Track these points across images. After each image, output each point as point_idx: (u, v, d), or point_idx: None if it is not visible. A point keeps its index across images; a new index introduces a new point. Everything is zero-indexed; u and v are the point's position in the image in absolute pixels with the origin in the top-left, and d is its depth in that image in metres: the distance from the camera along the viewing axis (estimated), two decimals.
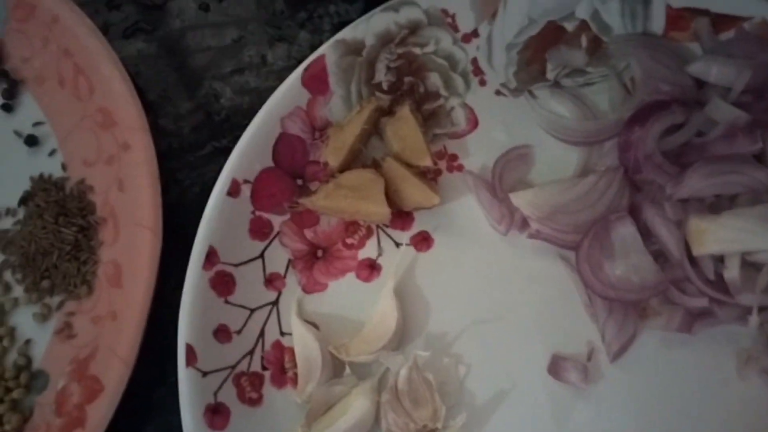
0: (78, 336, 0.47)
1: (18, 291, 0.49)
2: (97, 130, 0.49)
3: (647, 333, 0.46)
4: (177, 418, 0.43)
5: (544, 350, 0.46)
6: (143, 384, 0.45)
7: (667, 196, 0.46)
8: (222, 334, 0.45)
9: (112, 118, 0.49)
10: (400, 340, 0.46)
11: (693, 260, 0.45)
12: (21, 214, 0.50)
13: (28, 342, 0.48)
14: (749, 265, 0.44)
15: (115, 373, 0.43)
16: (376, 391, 0.44)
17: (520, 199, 0.47)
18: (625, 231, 0.46)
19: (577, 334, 0.46)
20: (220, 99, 0.53)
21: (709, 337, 0.46)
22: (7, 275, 0.50)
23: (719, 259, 0.45)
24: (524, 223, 0.48)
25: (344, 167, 0.48)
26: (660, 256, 0.46)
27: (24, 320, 0.48)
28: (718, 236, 0.43)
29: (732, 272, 0.43)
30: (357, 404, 0.43)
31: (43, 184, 0.50)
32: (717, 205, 0.45)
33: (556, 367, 0.46)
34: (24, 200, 0.50)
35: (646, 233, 0.46)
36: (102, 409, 0.42)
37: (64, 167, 0.51)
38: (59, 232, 0.47)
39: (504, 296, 0.47)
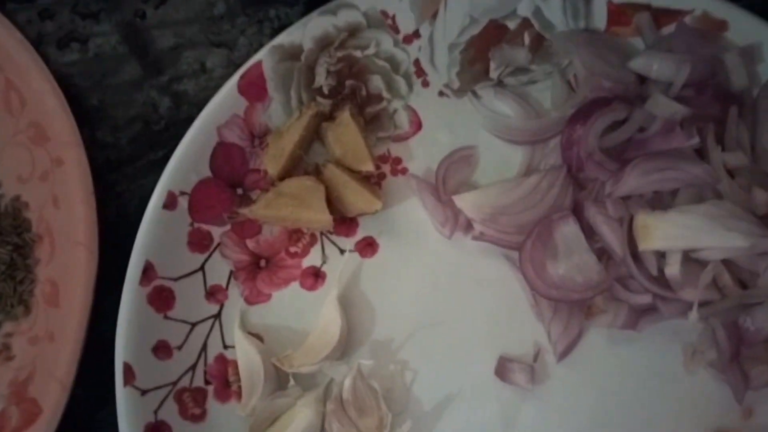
0: (16, 357, 0.46)
1: None
2: (30, 146, 0.48)
3: (593, 331, 0.46)
4: None
5: (491, 353, 0.46)
6: (84, 404, 0.44)
7: (608, 193, 0.45)
8: (162, 350, 0.44)
9: (45, 133, 0.48)
10: (344, 348, 0.45)
11: (636, 257, 0.45)
12: None
13: None
14: (693, 262, 0.44)
15: (53, 395, 0.42)
16: (321, 402, 0.44)
17: (463, 202, 0.47)
18: (568, 230, 0.46)
19: (523, 335, 0.46)
20: (158, 108, 0.52)
21: (655, 333, 0.46)
22: None
23: (662, 255, 0.44)
24: (468, 226, 0.48)
25: (284, 175, 0.48)
26: (603, 254, 0.46)
27: None
28: (665, 233, 0.43)
29: (673, 268, 0.43)
30: (301, 416, 0.43)
31: None
32: (657, 202, 0.45)
33: (502, 369, 0.45)
34: None
35: (588, 232, 0.46)
36: None
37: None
38: (9, 249, 0.46)
39: (450, 300, 0.47)
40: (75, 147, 0.46)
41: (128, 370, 0.42)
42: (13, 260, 0.47)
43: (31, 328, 0.46)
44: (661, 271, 0.44)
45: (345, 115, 0.48)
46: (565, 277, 0.45)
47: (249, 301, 0.47)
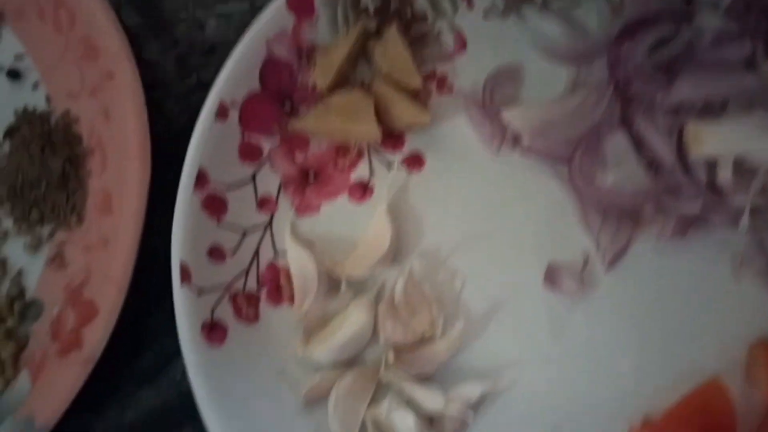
0: (70, 264, 0.46)
1: (8, 223, 0.48)
2: (81, 62, 0.49)
3: (641, 242, 0.46)
4: (172, 340, 0.42)
5: (539, 262, 0.46)
6: (138, 312, 0.45)
7: (659, 104, 0.45)
8: (216, 254, 0.45)
9: (95, 48, 0.48)
10: (394, 256, 0.46)
11: (686, 167, 0.45)
12: (7, 147, 0.49)
13: (20, 272, 0.47)
14: (743, 170, 0.44)
15: (109, 296, 0.43)
16: (373, 304, 0.44)
17: (511, 115, 0.47)
18: (617, 141, 0.46)
19: (571, 246, 0.46)
20: (204, 29, 0.53)
21: (703, 244, 0.46)
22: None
23: (712, 166, 0.45)
24: (515, 140, 0.48)
25: (333, 89, 0.48)
26: (652, 166, 0.46)
27: (16, 251, 0.48)
28: (717, 139, 0.43)
29: (725, 173, 0.43)
30: (354, 317, 0.43)
31: (28, 117, 0.49)
32: (707, 112, 0.45)
33: (551, 276, 0.46)
34: (9, 133, 0.49)
35: (638, 144, 0.46)
36: (98, 332, 0.42)
37: (48, 99, 0.50)
38: (46, 163, 0.47)
39: (497, 212, 0.47)
40: (126, 61, 0.47)
41: (185, 269, 0.43)
42: (66, 172, 0.47)
43: (84, 237, 0.46)
44: (710, 180, 0.44)
45: (392, 32, 0.48)
46: (615, 187, 0.45)
47: (299, 212, 0.47)
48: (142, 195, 0.44)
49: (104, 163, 0.47)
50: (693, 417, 0.42)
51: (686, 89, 0.45)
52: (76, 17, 0.49)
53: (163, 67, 0.52)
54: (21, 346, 0.45)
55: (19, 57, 0.51)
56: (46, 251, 0.48)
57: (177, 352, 0.43)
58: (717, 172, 0.44)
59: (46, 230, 0.48)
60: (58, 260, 0.47)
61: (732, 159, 0.43)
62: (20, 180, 0.47)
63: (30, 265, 0.48)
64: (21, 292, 0.47)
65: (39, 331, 0.45)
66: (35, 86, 0.51)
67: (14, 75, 0.51)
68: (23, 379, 0.45)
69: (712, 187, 0.44)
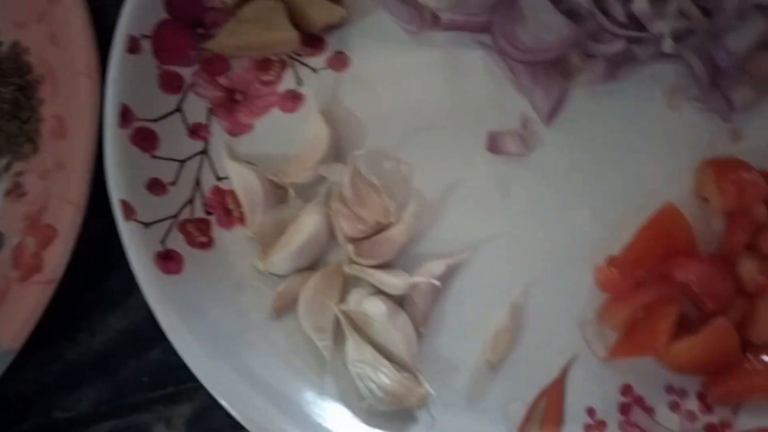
0: (29, 193, 0.46)
1: None
2: None
3: (576, 92, 0.46)
4: None
5: (480, 133, 0.46)
6: (103, 236, 0.44)
7: None
8: (156, 186, 0.44)
9: None
10: (336, 156, 0.45)
11: (604, 10, 0.45)
12: None
13: None
14: None
15: (67, 217, 0.43)
16: (324, 206, 0.44)
17: None
18: None
19: (509, 111, 0.46)
20: None
21: (635, 82, 0.46)
22: None
23: (626, 1, 0.45)
24: (434, 18, 0.47)
25: (242, 3, 0.47)
26: (570, 14, 0.46)
27: None
28: None
29: (640, 4, 0.43)
30: (308, 221, 0.43)
31: None
32: None
33: (494, 143, 0.46)
34: None
35: None
36: (58, 252, 0.42)
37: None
38: (12, 90, 0.47)
39: (431, 94, 0.47)
40: None
41: (126, 206, 0.42)
42: (17, 100, 0.47)
43: (40, 164, 0.46)
44: (629, 15, 0.45)
45: None
46: (537, 39, 0.45)
47: (233, 134, 0.47)
48: (94, 115, 0.44)
49: (55, 89, 0.46)
50: (654, 243, 0.43)
51: None
52: None
53: None
54: None
55: None
56: (4, 183, 0.47)
57: None
58: (632, 6, 0.44)
59: (2, 163, 0.47)
60: (16, 190, 0.46)
61: None
62: None
63: None
64: None
65: (1, 261, 0.45)
66: None
67: None
68: None
69: (632, 22, 0.45)
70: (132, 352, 0.47)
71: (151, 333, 0.43)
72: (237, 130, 0.47)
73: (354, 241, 0.43)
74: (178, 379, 0.45)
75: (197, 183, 0.45)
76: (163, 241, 0.43)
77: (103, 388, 0.47)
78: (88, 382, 0.47)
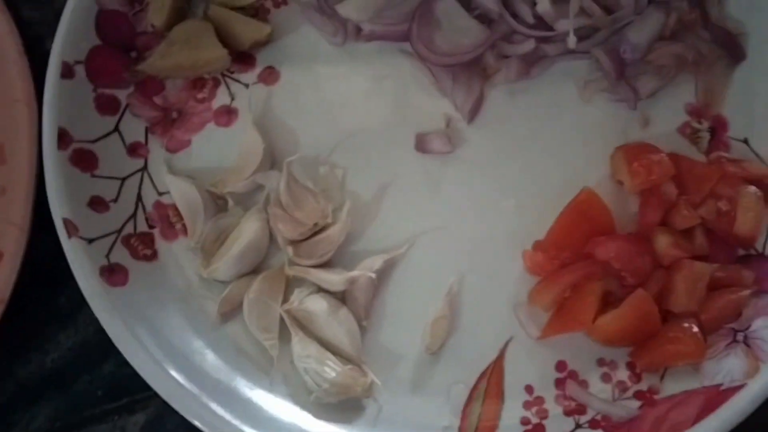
0: None
1: None
2: None
3: (494, 91, 0.49)
4: None
5: (408, 136, 0.49)
6: (50, 256, 0.46)
7: None
8: (97, 204, 0.46)
9: None
10: (272, 164, 0.48)
11: (513, 13, 0.48)
12: None
13: None
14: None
15: (12, 239, 0.44)
16: (262, 212, 0.46)
17: (346, 8, 0.49)
18: (445, 4, 0.49)
19: (433, 112, 0.49)
20: None
21: (549, 78, 0.50)
22: None
23: (533, 3, 0.48)
24: (357, 30, 0.50)
25: (171, 26, 0.49)
26: (482, 18, 0.49)
27: None
28: None
29: (543, 5, 0.47)
30: (247, 228, 0.45)
31: None
32: None
33: (422, 143, 0.48)
34: None
35: (465, 3, 0.49)
36: (4, 274, 0.44)
37: None
38: None
39: (359, 102, 0.50)
40: (1, 11, 0.48)
41: (69, 223, 0.43)
42: None
43: None
44: (536, 17, 0.48)
45: None
46: (454, 44, 0.48)
47: (171, 150, 0.48)
48: (32, 140, 0.45)
49: None
50: (575, 226, 0.46)
51: None
52: None
53: (42, 23, 0.52)
54: None
55: None
56: None
57: None
58: (537, 7, 0.47)
59: None
60: None
61: None
62: None
63: None
64: None
65: None
66: None
67: None
68: None
69: (539, 22, 0.48)
70: (85, 366, 0.48)
71: (103, 346, 0.44)
72: (175, 146, 0.49)
73: (293, 243, 0.45)
74: (132, 390, 0.47)
75: (139, 198, 0.47)
76: (107, 256, 0.44)
77: (58, 404, 0.48)
78: (42, 399, 0.48)
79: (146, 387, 0.43)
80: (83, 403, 0.47)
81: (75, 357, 0.48)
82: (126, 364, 0.43)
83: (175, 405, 0.43)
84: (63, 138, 0.45)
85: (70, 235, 0.43)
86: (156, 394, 0.43)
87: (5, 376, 0.48)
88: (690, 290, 0.43)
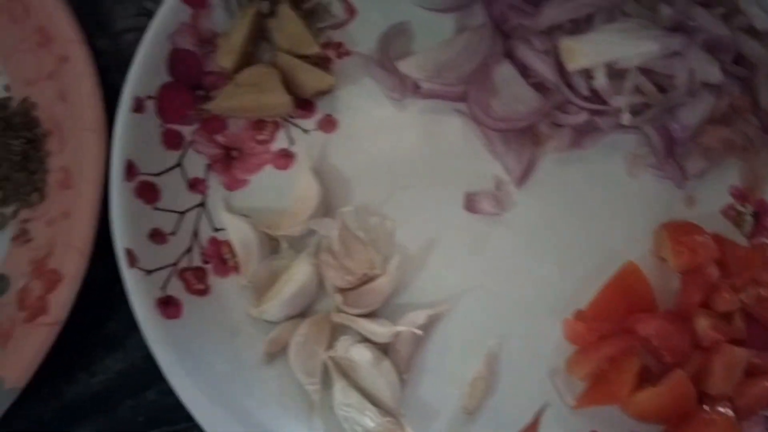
0: (35, 239, 0.49)
1: None
2: (36, 49, 0.51)
3: (545, 158, 0.51)
4: None
5: (458, 193, 0.50)
6: (105, 281, 0.47)
7: (532, 31, 0.50)
8: (157, 236, 0.47)
9: (50, 35, 0.50)
10: (326, 211, 0.49)
11: (569, 84, 0.50)
12: None
13: None
14: (616, 75, 0.49)
15: (72, 262, 0.45)
16: (314, 257, 0.47)
17: (407, 65, 0.51)
18: (504, 70, 0.50)
19: (484, 173, 0.51)
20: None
21: (599, 150, 0.51)
22: None
23: (589, 77, 0.50)
24: (416, 87, 0.52)
25: (239, 69, 0.51)
26: (539, 88, 0.51)
27: None
28: (587, 51, 0.48)
29: (600, 80, 0.48)
30: (298, 271, 0.46)
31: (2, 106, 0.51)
32: (576, 29, 0.50)
33: (471, 203, 0.50)
34: None
35: (522, 70, 0.51)
36: (63, 296, 0.45)
37: (7, 89, 0.52)
38: (7, 145, 0.50)
39: (413, 155, 0.51)
40: (78, 43, 0.49)
41: (129, 254, 0.45)
42: (27, 152, 0.50)
43: (47, 212, 0.49)
44: (592, 90, 0.50)
45: (284, 8, 0.52)
46: (509, 110, 0.50)
47: (229, 188, 0.50)
48: (99, 168, 0.47)
49: (62, 142, 0.49)
50: (617, 300, 0.47)
51: (553, 13, 0.50)
52: (29, 7, 0.51)
53: (116, 53, 0.54)
54: None
55: None
56: (11, 229, 0.50)
57: None
58: (594, 82, 0.49)
59: (9, 209, 0.50)
60: (22, 236, 0.49)
61: (603, 66, 0.48)
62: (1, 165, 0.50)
63: (4, 244, 0.50)
64: None
65: (6, 304, 0.47)
66: None
67: None
68: None
69: (594, 96, 0.49)
70: (129, 391, 0.49)
71: (148, 374, 0.45)
72: (233, 184, 0.50)
73: (342, 291, 0.46)
74: (172, 419, 0.48)
75: (195, 233, 0.48)
76: (163, 288, 0.46)
77: (100, 427, 0.49)
78: (86, 420, 0.49)
79: (188, 418, 0.44)
80: (124, 428, 0.48)
81: (120, 381, 0.49)
82: (169, 393, 0.44)
83: None
84: (130, 170, 0.46)
85: (131, 266, 0.44)
86: (196, 426, 0.44)
87: (52, 395, 0.49)
88: (727, 374, 0.43)
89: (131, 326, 0.45)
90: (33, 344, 0.44)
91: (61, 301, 0.45)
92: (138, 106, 0.48)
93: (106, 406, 0.49)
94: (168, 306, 0.45)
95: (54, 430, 0.49)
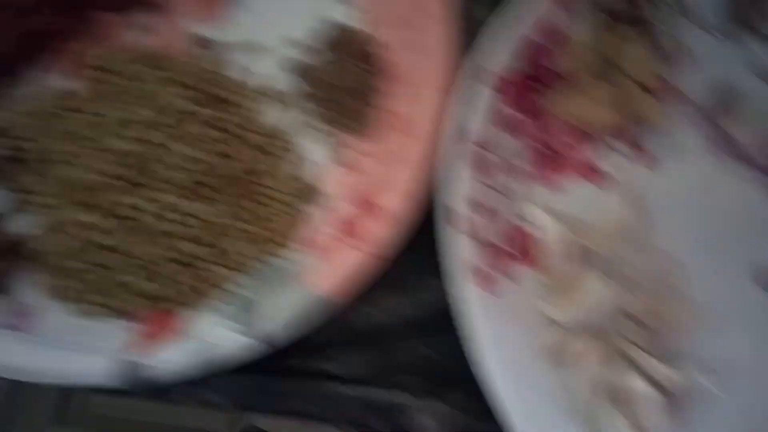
0: (362, 171, 0.50)
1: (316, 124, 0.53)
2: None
3: None
4: None
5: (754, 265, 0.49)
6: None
7: None
8: (477, 208, 0.48)
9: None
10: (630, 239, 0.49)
11: None
12: (329, 57, 0.54)
13: (312, 164, 0.52)
14: None
15: (396, 203, 0.47)
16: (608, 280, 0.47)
17: (738, 127, 0.50)
18: None
19: None
20: None
21: None
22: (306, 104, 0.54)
23: None
24: (739, 151, 0.51)
25: (581, 75, 0.51)
26: None
27: (315, 148, 0.53)
28: None
29: None
30: (595, 288, 0.46)
31: (348, 35, 0.54)
32: None
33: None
34: (333, 46, 0.54)
35: None
36: (385, 232, 0.47)
37: (363, 24, 0.54)
38: (361, 75, 0.52)
39: (716, 216, 0.50)
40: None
41: (450, 214, 0.47)
42: (371, 88, 0.52)
43: (377, 149, 0.50)
44: None
45: (631, 32, 0.52)
46: None
47: (544, 185, 0.51)
48: (434, 122, 0.48)
49: (401, 88, 0.51)
50: None
51: None
52: None
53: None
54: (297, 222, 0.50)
55: None
56: (340, 154, 0.52)
57: None
58: None
59: (345, 136, 0.52)
60: (348, 164, 0.51)
61: None
62: (338, 84, 0.52)
63: (322, 161, 0.52)
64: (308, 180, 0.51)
65: (321, 216, 0.50)
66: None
67: None
68: (303, 253, 0.48)
69: None
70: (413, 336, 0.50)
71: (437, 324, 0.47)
72: (548, 182, 0.51)
73: (636, 322, 0.46)
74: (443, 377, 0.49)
75: (511, 219, 0.49)
76: (479, 259, 0.47)
77: (374, 361, 0.50)
78: (361, 349, 0.51)
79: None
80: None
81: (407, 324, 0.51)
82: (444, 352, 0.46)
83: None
84: (462, 136, 0.48)
85: (450, 225, 0.46)
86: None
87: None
88: None
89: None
90: (353, 264, 0.46)
91: (383, 235, 0.46)
92: (482, 78, 0.49)
93: (384, 344, 0.50)
94: (486, 280, 0.46)
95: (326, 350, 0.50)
